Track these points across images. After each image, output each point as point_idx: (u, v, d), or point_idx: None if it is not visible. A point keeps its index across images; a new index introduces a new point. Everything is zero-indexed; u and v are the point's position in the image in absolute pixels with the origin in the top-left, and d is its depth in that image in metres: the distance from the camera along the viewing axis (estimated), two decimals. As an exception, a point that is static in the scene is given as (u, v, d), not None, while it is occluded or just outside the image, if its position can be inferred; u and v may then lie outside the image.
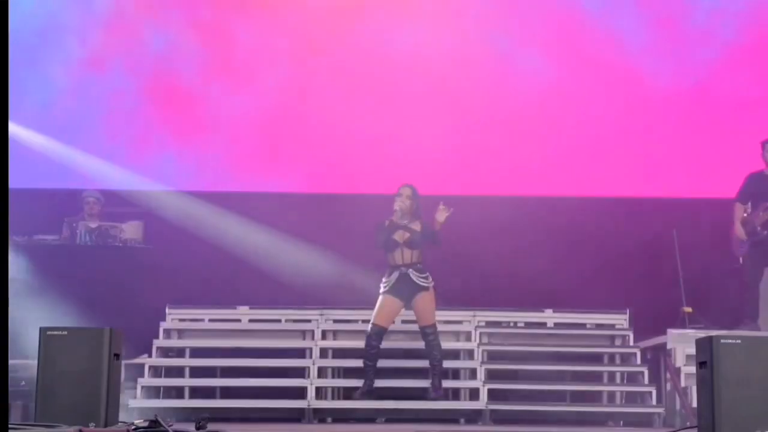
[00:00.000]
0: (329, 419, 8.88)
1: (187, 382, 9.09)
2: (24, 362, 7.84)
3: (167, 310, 9.49)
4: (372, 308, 8.68)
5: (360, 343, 9.08)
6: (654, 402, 8.84)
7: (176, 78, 10.62)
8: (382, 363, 8.73)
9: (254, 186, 10.57)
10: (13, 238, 8.76)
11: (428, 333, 8.66)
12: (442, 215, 8.42)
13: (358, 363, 8.97)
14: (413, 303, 8.63)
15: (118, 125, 10.54)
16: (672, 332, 9.05)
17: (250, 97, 10.65)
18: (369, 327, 8.64)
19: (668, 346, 8.99)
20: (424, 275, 8.61)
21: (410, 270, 8.58)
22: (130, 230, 9.94)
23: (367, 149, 10.38)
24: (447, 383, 8.88)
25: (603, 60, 10.50)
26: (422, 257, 8.66)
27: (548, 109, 10.39)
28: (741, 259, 9.41)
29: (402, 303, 8.64)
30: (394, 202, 8.62)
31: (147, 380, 8.88)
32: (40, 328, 5.25)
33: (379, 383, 8.67)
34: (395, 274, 8.59)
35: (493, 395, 8.80)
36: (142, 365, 8.97)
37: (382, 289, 8.66)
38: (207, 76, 10.67)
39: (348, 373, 9.18)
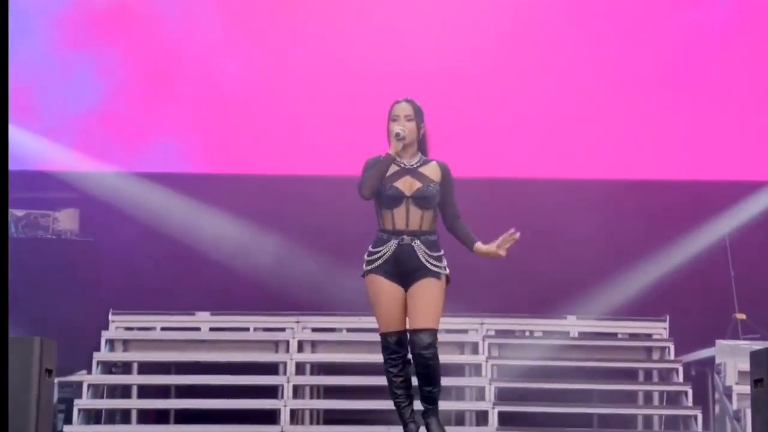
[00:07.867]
0: (307, 448, 8.95)
1: (134, 403, 9.13)
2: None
3: (110, 317, 9.42)
4: (361, 314, 8.23)
5: (344, 357, 9.11)
6: (699, 428, 8.78)
7: (126, 44, 10.61)
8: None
9: (214, 167, 10.56)
10: None
11: (424, 344, 6.34)
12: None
13: (341, 380, 9.02)
14: (411, 292, 6.29)
15: (55, 96, 10.49)
16: (721, 343, 9.06)
17: (210, 65, 10.64)
18: (381, 341, 6.45)
19: (717, 361, 9.02)
20: (436, 254, 6.32)
21: (417, 241, 6.33)
22: (65, 219, 10.01)
23: (351, 126, 10.20)
24: (450, 405, 8.70)
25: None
26: (435, 225, 6.43)
27: (571, 87, 10.45)
28: None
29: (402, 290, 6.32)
30: (388, 127, 6.43)
31: (86, 401, 8.78)
32: (-43, 338, 5.31)
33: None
34: (392, 244, 6.28)
35: (505, 419, 8.70)
36: (80, 383, 8.89)
37: (367, 266, 6.37)
38: (159, 41, 10.65)
39: (329, 393, 9.21)
